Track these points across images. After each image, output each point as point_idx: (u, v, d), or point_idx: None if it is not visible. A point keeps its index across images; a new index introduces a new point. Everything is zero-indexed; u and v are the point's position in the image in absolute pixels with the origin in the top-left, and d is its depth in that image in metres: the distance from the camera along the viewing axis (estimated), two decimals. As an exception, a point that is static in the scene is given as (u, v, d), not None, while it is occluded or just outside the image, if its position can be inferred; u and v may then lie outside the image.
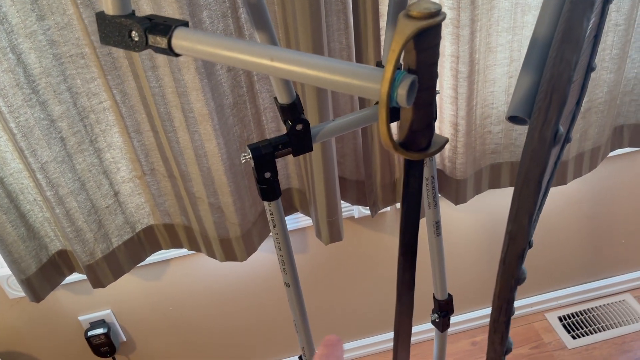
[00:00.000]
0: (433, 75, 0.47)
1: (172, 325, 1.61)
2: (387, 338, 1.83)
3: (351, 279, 1.65)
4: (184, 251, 1.46)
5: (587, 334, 1.80)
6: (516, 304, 1.87)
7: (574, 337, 1.80)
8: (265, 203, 0.90)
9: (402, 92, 0.44)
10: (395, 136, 0.47)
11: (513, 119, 0.56)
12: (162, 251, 1.44)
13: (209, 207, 1.21)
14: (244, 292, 1.59)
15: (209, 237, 1.29)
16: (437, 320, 1.22)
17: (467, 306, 1.85)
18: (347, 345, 1.82)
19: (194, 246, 1.35)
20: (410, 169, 0.53)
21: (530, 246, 0.53)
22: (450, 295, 1.20)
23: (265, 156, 0.84)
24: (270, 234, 1.44)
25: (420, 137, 0.50)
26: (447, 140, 0.54)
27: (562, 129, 0.42)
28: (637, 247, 1.84)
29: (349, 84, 0.47)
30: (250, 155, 0.83)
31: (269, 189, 0.88)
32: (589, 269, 1.87)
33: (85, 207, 1.16)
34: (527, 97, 0.56)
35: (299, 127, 0.84)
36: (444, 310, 1.20)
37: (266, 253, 1.53)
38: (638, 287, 1.92)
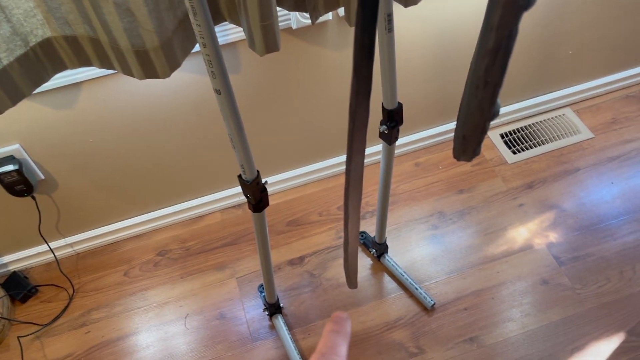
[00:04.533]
0: None
1: (95, 159, 1.46)
2: (333, 163, 1.77)
3: (291, 100, 1.52)
4: (96, 72, 1.25)
5: (527, 149, 1.81)
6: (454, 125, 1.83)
7: (514, 152, 1.80)
8: (181, -17, 0.71)
9: None
10: None
11: None
12: (71, 72, 1.24)
13: (115, 8, 0.99)
14: (171, 119, 1.43)
15: (121, 50, 1.09)
16: (385, 132, 1.13)
17: (410, 128, 1.79)
18: (291, 173, 1.76)
19: (105, 63, 1.15)
20: None
21: None
22: (400, 104, 1.10)
23: None
24: (194, 48, 1.26)
25: None
26: None
27: None
28: (583, 59, 1.79)
29: None
30: None
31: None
32: (532, 84, 1.83)
33: (-47, 11, 0.92)
34: None
35: None
36: (393, 120, 1.11)
37: (193, 74, 1.35)
38: (578, 100, 1.92)
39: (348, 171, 0.63)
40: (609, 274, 1.51)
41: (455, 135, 0.55)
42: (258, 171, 1.02)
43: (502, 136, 1.85)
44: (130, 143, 1.46)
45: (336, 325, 0.40)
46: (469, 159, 0.53)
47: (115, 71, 1.19)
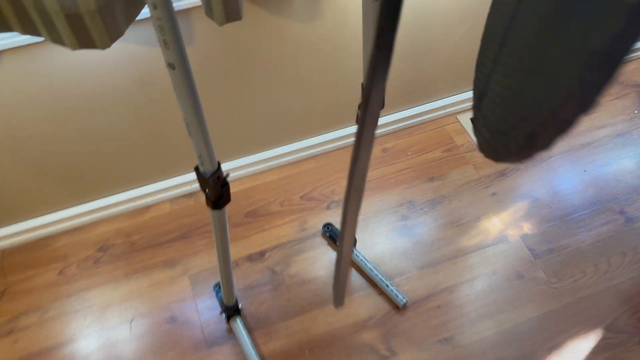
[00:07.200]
0: None
1: (20, 142, 1.25)
2: (295, 148, 1.62)
3: (251, 77, 1.36)
4: (20, 39, 1.05)
5: (499, 134, 1.72)
6: (427, 107, 1.72)
7: (485, 138, 1.71)
8: None
9: None
10: None
11: None
12: (-15, 40, 1.03)
13: (40, -41, 0.80)
14: (113, 97, 1.24)
15: (48, 12, 0.89)
16: (364, 117, 0.99)
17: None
18: (249, 158, 1.60)
19: (28, 28, 0.95)
20: None
21: None
22: (382, 85, 0.96)
23: None
24: (141, 15, 1.07)
25: None
26: None
27: None
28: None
29: None
30: None
31: None
32: (505, 67, 1.73)
33: None
34: None
35: None
36: (374, 103, 0.97)
37: (138, 45, 1.16)
38: (549, 85, 1.85)
39: (352, 172, 0.49)
40: (584, 267, 1.45)
41: (500, 130, 0.42)
42: (219, 162, 0.86)
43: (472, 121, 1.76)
44: (63, 124, 1.26)
45: None
46: (521, 161, 0.40)
47: (43, 39, 0.99)
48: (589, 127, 1.74)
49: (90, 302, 1.41)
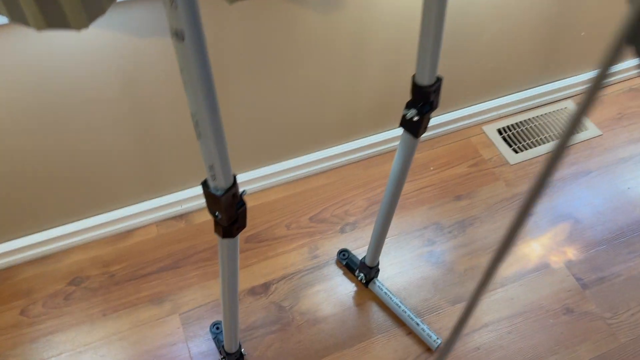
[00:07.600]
0: None
1: (-24, 154, 1.02)
2: (305, 162, 1.41)
3: (256, 76, 1.15)
4: (-33, 20, 0.82)
5: (529, 147, 1.53)
6: (450, 116, 1.53)
7: (515, 151, 1.52)
8: None
9: None
10: None
11: None
12: None
13: None
14: (89, 96, 1.02)
15: (6, -22, 0.67)
16: (414, 119, 0.79)
17: (392, 120, 1.47)
18: (251, 174, 1.37)
19: (-20, 1, 0.72)
20: None
21: None
22: (439, 79, 0.76)
23: None
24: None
25: None
26: None
27: None
28: (592, 44, 1.54)
29: None
30: None
31: None
32: (534, 72, 1.56)
33: None
34: None
35: None
36: (427, 102, 0.77)
37: (122, 33, 0.94)
38: (581, 92, 1.68)
39: (507, 243, 0.29)
40: (640, 299, 1.26)
41: None
42: (234, 176, 0.64)
43: (500, 132, 1.57)
44: (27, 130, 1.02)
45: None
46: None
47: (2, 19, 0.77)
48: (628, 139, 1.56)
49: (59, 349, 1.16)
